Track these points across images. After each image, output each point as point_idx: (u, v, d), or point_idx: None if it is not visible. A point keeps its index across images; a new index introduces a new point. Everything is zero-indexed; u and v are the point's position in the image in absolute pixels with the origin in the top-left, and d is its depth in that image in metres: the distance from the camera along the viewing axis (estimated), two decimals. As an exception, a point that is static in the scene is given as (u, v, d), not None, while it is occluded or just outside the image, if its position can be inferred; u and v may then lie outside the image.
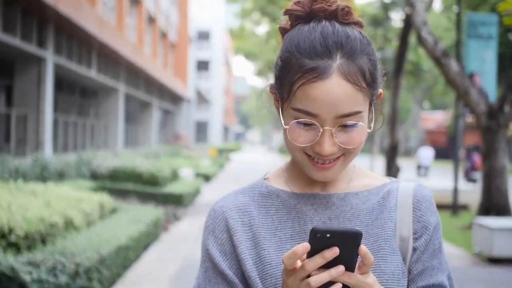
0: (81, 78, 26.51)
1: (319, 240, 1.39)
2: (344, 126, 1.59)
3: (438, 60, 15.09)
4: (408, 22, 19.85)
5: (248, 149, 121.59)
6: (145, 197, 17.29)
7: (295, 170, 1.81)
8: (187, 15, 58.36)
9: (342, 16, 1.67)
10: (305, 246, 1.39)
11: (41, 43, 19.61)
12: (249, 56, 64.79)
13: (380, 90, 1.72)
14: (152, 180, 18.27)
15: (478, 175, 29.03)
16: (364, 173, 1.88)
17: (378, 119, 1.76)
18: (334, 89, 1.55)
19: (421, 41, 15.43)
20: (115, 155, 24.59)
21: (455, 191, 18.83)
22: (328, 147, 1.58)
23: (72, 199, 10.82)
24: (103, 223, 10.89)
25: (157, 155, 31.45)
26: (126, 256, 9.83)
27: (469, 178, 31.82)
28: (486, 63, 17.57)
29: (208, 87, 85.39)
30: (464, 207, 19.54)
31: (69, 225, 9.51)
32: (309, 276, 1.42)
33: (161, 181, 18.51)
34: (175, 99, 55.43)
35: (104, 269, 8.27)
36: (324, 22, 1.66)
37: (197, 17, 76.75)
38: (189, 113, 65.29)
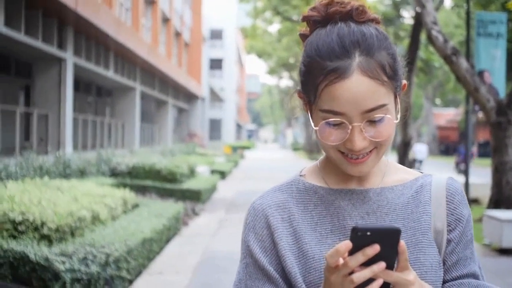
0: (98, 78, 26.95)
1: (360, 238, 1.43)
2: (372, 121, 1.63)
3: (448, 58, 15.34)
4: (419, 20, 20.14)
5: (261, 147, 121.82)
6: (164, 193, 17.71)
7: (330, 166, 1.85)
8: (201, 14, 58.66)
9: (357, 15, 1.71)
10: (347, 244, 1.43)
11: (61, 45, 20.07)
12: (261, 54, 65.04)
13: (404, 81, 1.76)
14: (171, 177, 18.71)
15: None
16: (397, 167, 1.92)
17: (405, 108, 1.81)
18: (357, 86, 1.59)
19: (431, 40, 15.67)
20: (132, 153, 25.02)
21: (467, 185, 19.18)
22: (359, 142, 1.62)
23: (97, 194, 11.27)
24: (126, 217, 11.33)
25: (173, 152, 31.75)
26: (151, 248, 10.29)
27: (459, 170, 34.64)
28: (496, 60, 17.86)
29: (221, 85, 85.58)
30: (475, 201, 19.81)
31: (96, 219, 9.95)
32: (351, 273, 1.46)
33: (179, 177, 18.95)
34: (190, 97, 55.79)
35: (131, 260, 8.75)
36: (340, 23, 1.70)
37: (210, 16, 76.95)
38: (203, 111, 65.67)
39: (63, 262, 7.78)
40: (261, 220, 1.79)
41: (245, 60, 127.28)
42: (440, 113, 78.93)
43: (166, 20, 42.08)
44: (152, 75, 36.09)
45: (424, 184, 1.85)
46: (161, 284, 9.06)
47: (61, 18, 19.51)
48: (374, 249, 1.42)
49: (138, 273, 9.40)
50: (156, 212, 12.40)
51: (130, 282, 8.83)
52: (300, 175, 1.89)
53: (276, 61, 67.92)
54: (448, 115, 78.02)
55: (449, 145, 76.87)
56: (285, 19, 43.18)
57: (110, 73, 26.00)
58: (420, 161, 39.03)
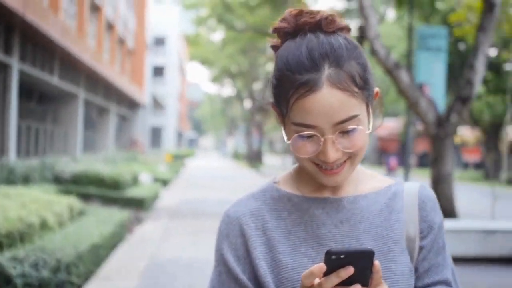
0: (43, 85, 26.87)
1: (334, 261, 1.46)
2: (344, 132, 1.64)
3: (390, 71, 15.65)
4: (363, 33, 20.57)
5: (202, 155, 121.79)
6: (107, 201, 17.77)
7: (304, 174, 1.85)
8: (145, 21, 58.65)
9: (326, 25, 1.71)
10: (322, 266, 1.46)
11: (7, 51, 20.01)
12: (204, 62, 65.14)
13: (377, 89, 1.76)
14: (114, 185, 18.80)
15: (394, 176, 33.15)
16: (369, 175, 1.93)
17: (379, 117, 1.83)
18: (327, 99, 1.60)
19: (373, 53, 16.02)
20: (74, 160, 24.99)
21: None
22: (332, 154, 1.63)
23: (44, 201, 11.37)
24: (74, 224, 11.47)
25: (115, 160, 31.71)
26: (98, 254, 10.45)
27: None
28: (436, 74, 18.39)
29: (163, 93, 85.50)
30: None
31: (44, 225, 10.08)
32: None
33: (123, 185, 19.05)
34: (132, 104, 55.68)
35: (81, 265, 8.90)
36: (309, 35, 1.70)
37: (153, 23, 76.91)
38: (145, 119, 65.56)
39: (15, 267, 7.91)
40: (235, 228, 1.79)
41: (187, 68, 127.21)
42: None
43: (110, 27, 42.01)
44: (95, 82, 36.02)
45: (397, 191, 1.87)
46: (109, 289, 9.23)
47: (8, 24, 19.46)
48: (348, 271, 1.46)
49: (87, 279, 9.55)
50: (102, 219, 12.54)
51: (79, 287, 8.98)
52: (274, 183, 1.89)
53: (219, 70, 68.09)
54: (388, 126, 79.16)
55: (388, 156, 78.13)
56: (229, 28, 43.35)
57: (55, 80, 25.95)
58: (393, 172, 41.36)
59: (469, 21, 32.61)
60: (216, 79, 75.47)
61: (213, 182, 35.43)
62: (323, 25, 1.71)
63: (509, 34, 38.53)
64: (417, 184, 1.90)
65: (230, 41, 50.99)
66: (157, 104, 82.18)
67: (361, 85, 1.66)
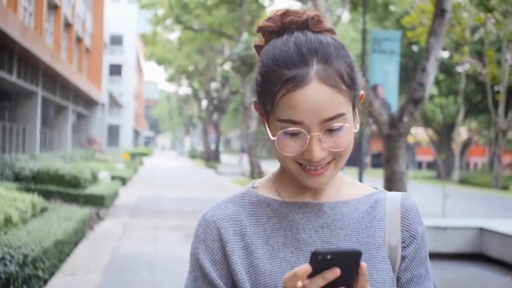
0: (1, 82, 26.89)
1: (320, 262, 1.40)
2: (331, 130, 1.60)
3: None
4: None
5: (159, 154, 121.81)
6: (68, 198, 17.93)
7: (284, 178, 1.82)
8: (102, 20, 58.53)
9: (313, 25, 1.69)
10: (306, 268, 1.39)
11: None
12: (161, 62, 65.23)
13: (362, 92, 1.73)
14: (74, 182, 18.99)
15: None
16: (351, 182, 1.89)
17: (363, 119, 1.78)
18: (315, 94, 1.56)
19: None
20: (33, 158, 25.07)
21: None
22: (317, 152, 1.60)
23: (8, 198, 11.61)
24: (37, 220, 11.71)
25: (73, 158, 31.73)
26: (62, 250, 10.74)
27: None
28: (389, 75, 18.92)
29: (120, 91, 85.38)
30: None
31: (8, 221, 10.33)
32: None
33: (83, 183, 19.26)
34: (90, 103, 55.59)
35: (46, 260, 9.20)
36: (296, 32, 1.67)
37: (110, 22, 76.67)
38: (102, 117, 65.45)
39: (-18, 262, 8.21)
40: (212, 233, 1.75)
41: (144, 67, 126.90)
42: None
43: (68, 25, 41.95)
44: (54, 80, 35.97)
45: (379, 199, 1.84)
46: (74, 283, 9.52)
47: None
48: (334, 273, 1.40)
49: (52, 273, 9.84)
50: (64, 216, 12.79)
51: (45, 281, 9.28)
52: (253, 187, 1.85)
53: (176, 69, 68.21)
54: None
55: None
56: (186, 28, 43.52)
57: (13, 78, 25.99)
58: None
59: (422, 24, 33.32)
60: (172, 78, 75.62)
61: (171, 181, 35.74)
62: (310, 24, 1.70)
63: (460, 37, 39.43)
64: (399, 194, 1.87)
65: (187, 41, 51.15)
66: (114, 103, 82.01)
67: (349, 84, 1.63)
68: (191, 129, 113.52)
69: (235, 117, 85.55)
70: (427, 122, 54.34)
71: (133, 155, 56.10)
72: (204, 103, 74.30)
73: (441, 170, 39.56)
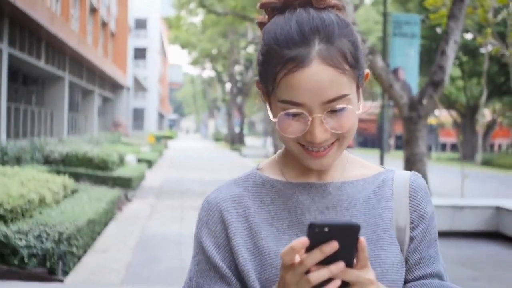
0: (29, 67, 27.37)
1: (317, 235, 1.34)
2: (333, 111, 1.55)
3: (366, 57, 16.34)
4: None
5: (183, 137, 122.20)
6: (96, 180, 18.40)
7: (288, 159, 1.78)
8: (127, 4, 58.96)
9: (317, 2, 1.62)
10: (303, 241, 1.34)
11: (-3, 36, 20.59)
12: (185, 45, 65.44)
13: (367, 71, 1.67)
14: (103, 165, 19.48)
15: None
16: (358, 162, 1.84)
17: (367, 99, 1.74)
18: (317, 75, 1.51)
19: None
20: (61, 142, 25.57)
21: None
22: (319, 134, 1.55)
23: (41, 180, 12.10)
24: (68, 201, 12.20)
25: (99, 142, 32.11)
26: (94, 229, 11.23)
27: None
28: (410, 59, 19.18)
29: (145, 75, 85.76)
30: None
31: (42, 201, 10.82)
32: (308, 272, 1.37)
33: (111, 165, 19.75)
34: (115, 87, 56.13)
35: (80, 238, 9.70)
36: (298, 10, 1.61)
37: (134, 6, 77.04)
38: (127, 101, 65.94)
39: (21, 239, 8.71)
40: (215, 215, 1.72)
41: (168, 50, 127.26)
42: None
43: (93, 10, 42.40)
44: (80, 65, 36.51)
45: (386, 179, 1.79)
46: (106, 260, 9.99)
47: (-1, 11, 20.05)
48: (332, 246, 1.34)
49: (85, 251, 10.34)
50: (94, 197, 13.27)
51: (79, 258, 9.77)
52: (258, 169, 1.82)
53: (199, 52, 68.43)
54: (366, 108, 79.76)
55: (367, 137, 79.12)
56: (210, 11, 43.64)
57: (41, 63, 26.51)
58: None
59: (445, 5, 33.32)
60: (196, 62, 75.81)
61: (196, 163, 36.19)
62: (313, 1, 1.63)
63: (483, 19, 39.38)
64: (408, 173, 1.82)
65: (211, 25, 51.33)
66: (139, 86, 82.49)
67: (352, 64, 1.58)
68: (215, 112, 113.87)
69: (259, 100, 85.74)
70: (450, 104, 54.26)
71: (158, 138, 56.58)
72: (228, 86, 74.61)
73: (460, 151, 39.74)
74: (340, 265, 1.36)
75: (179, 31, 58.40)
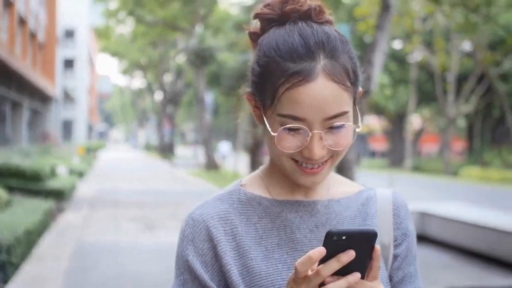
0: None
1: (334, 244, 1.32)
2: (331, 128, 1.54)
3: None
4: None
5: (113, 148, 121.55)
6: (28, 193, 18.36)
7: (274, 175, 1.75)
8: (55, 15, 58.51)
9: (316, 15, 1.62)
10: (321, 250, 1.31)
11: None
12: (114, 55, 65.19)
13: (360, 88, 1.64)
14: (35, 177, 19.41)
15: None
16: (340, 179, 1.84)
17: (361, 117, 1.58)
18: (321, 91, 1.49)
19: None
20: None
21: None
22: (318, 151, 1.53)
23: (-24, 191, 12.19)
24: (4, 212, 12.27)
25: (28, 154, 31.97)
26: (31, 239, 11.34)
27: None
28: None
29: (73, 85, 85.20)
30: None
31: (-22, 213, 10.92)
32: (322, 284, 1.36)
33: (43, 177, 19.69)
34: (44, 98, 55.66)
35: (18, 248, 9.82)
36: (300, 23, 1.60)
37: (63, 16, 76.39)
38: (56, 112, 65.36)
39: (-41, 250, 8.82)
40: (202, 232, 1.66)
41: (96, 61, 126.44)
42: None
43: (22, 22, 42.12)
44: (8, 76, 36.24)
45: (369, 197, 1.80)
46: (45, 269, 10.12)
47: None
48: (350, 255, 1.33)
49: (23, 259, 10.46)
50: (29, 208, 13.31)
51: (17, 267, 9.89)
52: (241, 185, 1.78)
53: (129, 62, 68.24)
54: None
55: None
56: (139, 21, 43.56)
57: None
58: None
59: (373, 15, 33.96)
60: (126, 71, 75.60)
61: (127, 174, 36.16)
62: (312, 14, 1.63)
63: (410, 27, 40.28)
64: (388, 191, 1.84)
65: (140, 35, 51.35)
66: (68, 97, 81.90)
67: (353, 80, 1.57)
68: (145, 122, 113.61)
69: (189, 110, 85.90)
70: (379, 111, 55.21)
71: (87, 149, 56.26)
72: (158, 95, 74.58)
73: (394, 158, 40.42)
74: (357, 275, 1.36)
75: (108, 41, 58.24)
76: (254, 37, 1.71)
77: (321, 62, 1.51)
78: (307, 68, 1.50)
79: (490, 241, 11.40)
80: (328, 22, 1.64)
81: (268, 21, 1.65)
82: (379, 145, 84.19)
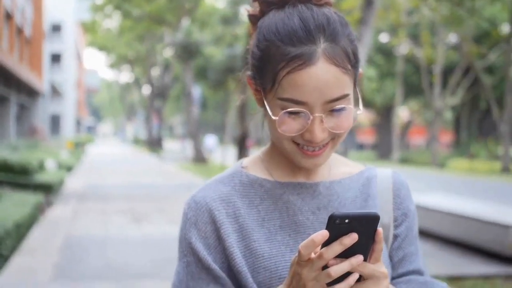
0: None
1: (337, 227, 1.33)
2: (332, 111, 1.54)
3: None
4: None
5: (101, 142, 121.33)
6: (17, 186, 18.47)
7: (275, 157, 1.76)
8: (42, 10, 58.39)
9: None
10: (324, 234, 1.32)
11: None
12: (102, 49, 65.16)
13: (361, 70, 1.65)
14: (23, 171, 19.54)
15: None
16: (340, 160, 1.83)
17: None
18: (322, 74, 1.49)
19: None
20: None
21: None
22: (319, 133, 1.53)
23: (-36, 186, 12.35)
24: (-7, 206, 12.47)
25: (16, 148, 32.00)
26: (20, 232, 11.52)
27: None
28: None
29: (61, 80, 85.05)
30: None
31: (-33, 207, 11.09)
32: (325, 266, 1.36)
33: (31, 171, 19.83)
34: (32, 93, 55.56)
35: (8, 240, 10.01)
36: (300, 6, 1.59)
37: (50, 10, 76.21)
38: (44, 107, 65.34)
39: (-50, 242, 9.00)
40: (204, 215, 1.67)
41: (83, 55, 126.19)
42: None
43: (8, 17, 42.06)
44: (-5, 71, 36.31)
45: (370, 177, 1.81)
46: (34, 262, 10.30)
47: None
48: (352, 238, 1.34)
49: (13, 252, 10.64)
50: (18, 202, 13.47)
51: (6, 259, 10.08)
52: (242, 167, 1.78)
53: (116, 56, 68.22)
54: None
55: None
56: (126, 16, 43.48)
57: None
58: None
59: (358, 9, 34.11)
60: (113, 66, 75.57)
61: (115, 167, 36.21)
62: None
63: (395, 20, 40.57)
64: (389, 170, 1.84)
65: (127, 29, 51.36)
66: (55, 92, 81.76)
67: (354, 63, 1.58)
68: (133, 116, 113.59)
69: (177, 103, 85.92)
70: (367, 104, 55.45)
71: (76, 144, 56.25)
72: (146, 89, 74.59)
73: (382, 150, 40.63)
74: (359, 258, 1.37)
75: (95, 35, 58.23)
76: (254, 19, 1.71)
77: (322, 46, 1.51)
78: (308, 52, 1.50)
79: (470, 230, 11.62)
80: (328, 4, 1.64)
81: (268, 4, 1.66)
82: (367, 137, 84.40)
